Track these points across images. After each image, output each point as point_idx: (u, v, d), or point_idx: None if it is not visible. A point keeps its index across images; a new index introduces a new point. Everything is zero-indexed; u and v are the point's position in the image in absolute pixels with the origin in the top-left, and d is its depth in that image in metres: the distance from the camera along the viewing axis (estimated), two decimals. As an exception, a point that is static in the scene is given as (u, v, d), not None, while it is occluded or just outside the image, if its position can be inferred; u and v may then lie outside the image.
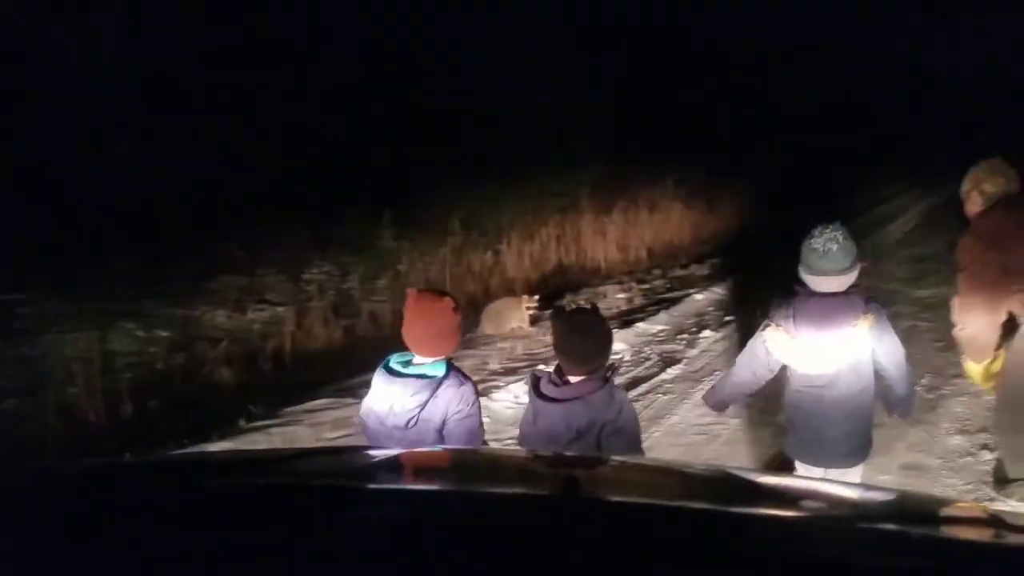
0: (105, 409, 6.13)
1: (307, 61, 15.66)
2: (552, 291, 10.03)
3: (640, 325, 8.07)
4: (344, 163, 14.34)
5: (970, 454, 4.88)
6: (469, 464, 2.36)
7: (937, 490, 4.30)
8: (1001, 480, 4.42)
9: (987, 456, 4.76)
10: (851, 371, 3.51)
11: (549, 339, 7.62)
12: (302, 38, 15.89)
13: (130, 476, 1.99)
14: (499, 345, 7.63)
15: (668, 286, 10.06)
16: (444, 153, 16.05)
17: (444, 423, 3.06)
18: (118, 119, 11.73)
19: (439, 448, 2.98)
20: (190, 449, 5.07)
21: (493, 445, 5.44)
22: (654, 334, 7.97)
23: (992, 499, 4.31)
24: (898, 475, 4.41)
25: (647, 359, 7.22)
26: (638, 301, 9.29)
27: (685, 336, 7.91)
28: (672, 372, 6.77)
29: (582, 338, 3.04)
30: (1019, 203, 4.20)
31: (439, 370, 3.07)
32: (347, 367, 7.41)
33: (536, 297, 8.49)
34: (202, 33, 14.26)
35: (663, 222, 14.39)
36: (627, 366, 7.06)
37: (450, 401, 3.06)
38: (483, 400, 5.93)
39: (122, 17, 13.26)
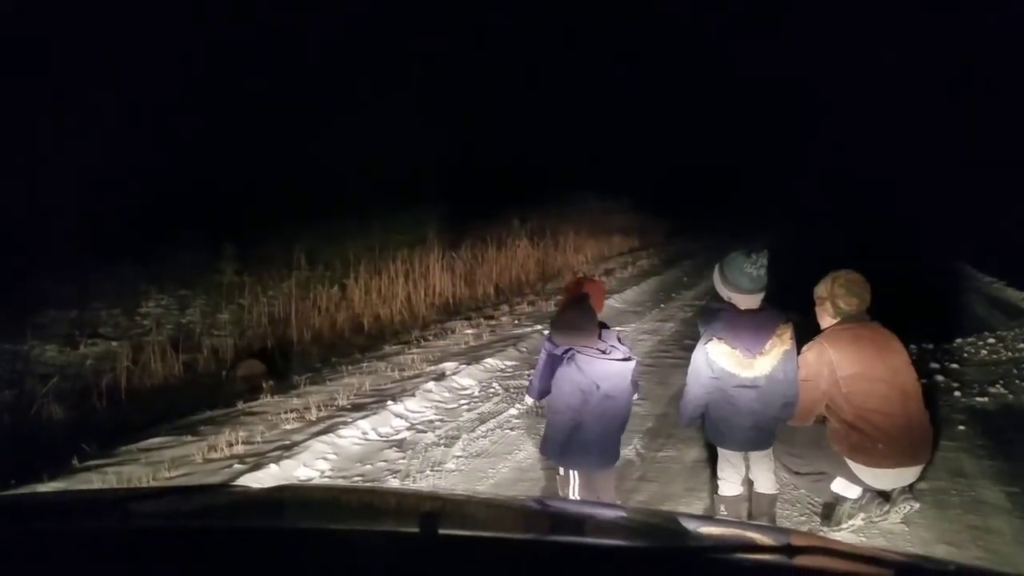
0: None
1: (145, 93, 15.17)
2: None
3: (489, 361, 8.13)
4: (176, 194, 13.92)
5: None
6: (321, 501, 2.33)
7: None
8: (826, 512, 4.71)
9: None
10: (780, 371, 4.13)
11: (395, 375, 7.64)
12: (144, 71, 15.37)
13: None
14: (346, 380, 7.53)
15: (516, 322, 10.20)
16: (283, 188, 15.86)
17: None
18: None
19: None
20: (18, 490, 4.78)
21: (341, 482, 5.38)
22: (502, 370, 8.05)
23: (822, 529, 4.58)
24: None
25: (495, 394, 7.28)
26: (487, 337, 9.37)
27: (533, 372, 8.02)
28: (520, 408, 6.85)
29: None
30: (866, 333, 4.58)
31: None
32: (186, 403, 7.17)
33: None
34: (42, 61, 13.63)
35: (510, 259, 14.60)
36: (475, 401, 7.11)
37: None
38: (330, 436, 5.90)
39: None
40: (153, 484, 5.01)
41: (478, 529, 1.95)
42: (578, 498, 4.10)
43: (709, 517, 4.18)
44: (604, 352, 3.98)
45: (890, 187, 27.10)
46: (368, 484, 5.21)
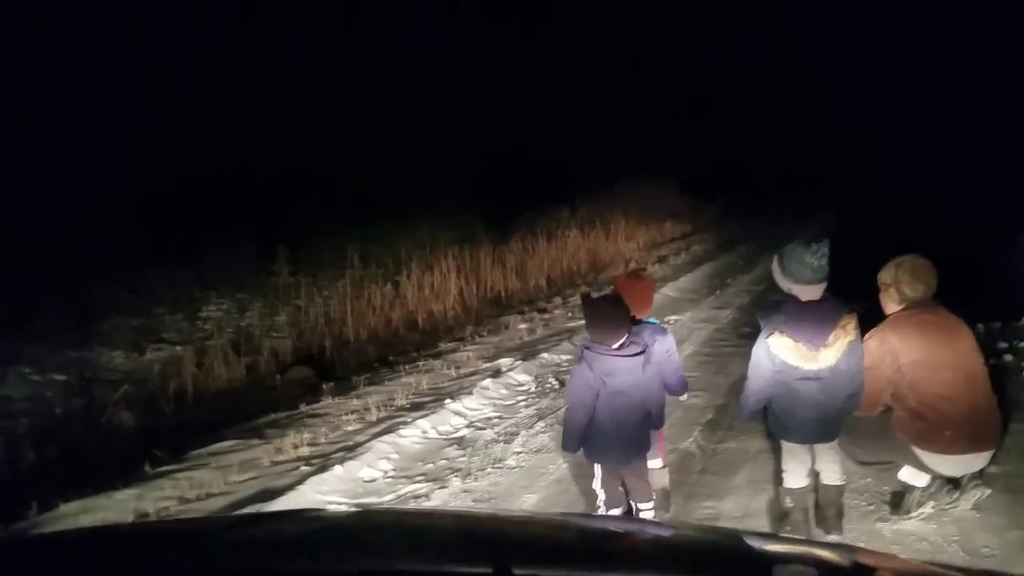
0: (2, 458, 5.90)
1: (196, 100, 15.42)
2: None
3: (544, 355, 8.12)
4: (225, 200, 14.12)
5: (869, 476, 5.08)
6: (392, 528, 2.24)
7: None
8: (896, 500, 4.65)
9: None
10: (844, 362, 4.05)
11: (452, 373, 7.69)
12: (195, 77, 15.59)
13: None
14: (403, 380, 7.60)
15: (569, 315, 10.18)
16: (329, 187, 16.00)
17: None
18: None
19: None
20: (94, 498, 4.91)
21: (404, 481, 5.44)
22: (558, 364, 8.02)
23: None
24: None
25: (552, 389, 7.29)
26: (540, 331, 9.37)
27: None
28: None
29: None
30: (930, 319, 4.49)
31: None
32: (250, 406, 7.29)
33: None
34: (83, 66, 13.88)
35: (560, 250, 14.56)
36: (532, 397, 7.13)
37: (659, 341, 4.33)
38: (391, 436, 5.96)
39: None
40: (224, 488, 5.12)
41: (548, 566, 1.90)
42: (601, 491, 4.30)
43: (773, 535, 4.09)
44: (619, 348, 4.00)
45: (949, 162, 26.52)
46: (433, 507, 5.05)
